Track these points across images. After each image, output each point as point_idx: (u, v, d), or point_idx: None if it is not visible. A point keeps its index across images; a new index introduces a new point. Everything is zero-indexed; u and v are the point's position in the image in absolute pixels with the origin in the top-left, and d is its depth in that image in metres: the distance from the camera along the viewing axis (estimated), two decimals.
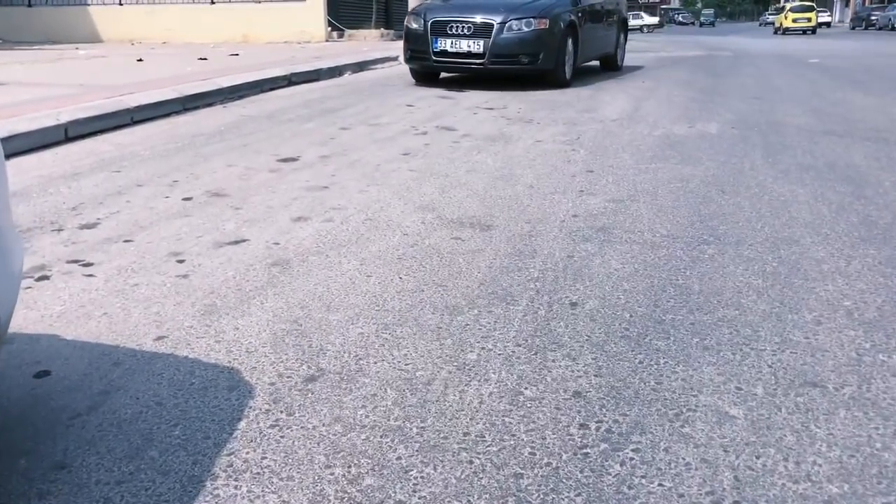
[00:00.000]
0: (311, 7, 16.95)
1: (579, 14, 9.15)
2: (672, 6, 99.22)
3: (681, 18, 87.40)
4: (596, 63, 11.23)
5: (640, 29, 51.94)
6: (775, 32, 42.28)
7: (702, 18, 76.06)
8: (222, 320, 2.43)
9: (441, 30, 8.57)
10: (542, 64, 8.48)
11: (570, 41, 8.83)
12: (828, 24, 61.30)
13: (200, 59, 10.54)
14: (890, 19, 43.73)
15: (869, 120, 6.36)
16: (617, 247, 3.10)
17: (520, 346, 2.23)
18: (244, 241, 3.23)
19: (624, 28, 11.72)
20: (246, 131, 5.84)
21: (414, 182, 4.23)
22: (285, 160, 4.81)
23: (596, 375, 2.05)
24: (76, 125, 5.45)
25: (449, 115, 6.73)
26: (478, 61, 8.48)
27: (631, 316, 2.43)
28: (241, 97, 7.72)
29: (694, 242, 3.15)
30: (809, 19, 40.96)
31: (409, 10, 9.39)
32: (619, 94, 8.22)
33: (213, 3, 17.54)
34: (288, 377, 2.06)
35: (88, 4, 18.39)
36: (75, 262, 2.98)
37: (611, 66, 11.25)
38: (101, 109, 5.83)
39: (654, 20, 58.24)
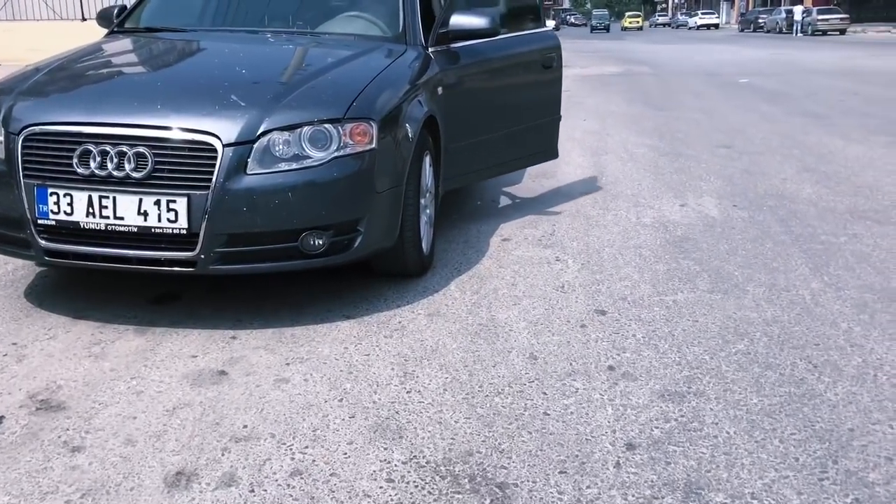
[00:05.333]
0: None
1: (438, 91, 3.78)
2: (563, 6, 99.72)
3: (573, 20, 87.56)
4: None
5: None
6: (622, 30, 63.88)
7: (594, 21, 67.20)
8: None
9: (56, 160, 2.87)
10: (364, 245, 3.09)
11: (427, 161, 3.58)
12: (716, 27, 62.72)
13: None
14: (777, 22, 44.92)
15: (883, 187, 5.31)
16: None
17: None
18: None
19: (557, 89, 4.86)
20: None
21: (361, 361, 2.83)
22: (162, 298, 3.32)
23: None
24: None
25: None
26: (178, 255, 2.85)
27: None
28: None
29: None
30: (638, 22, 69.31)
31: None
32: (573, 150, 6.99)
33: (84, 19, 15.51)
34: None
35: None
36: None
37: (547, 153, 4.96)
38: None
39: (552, 24, 58.05)
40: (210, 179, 2.81)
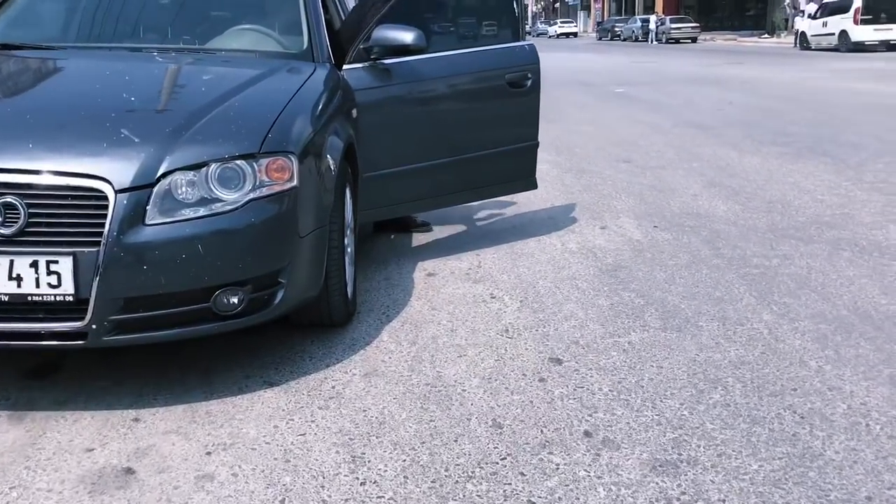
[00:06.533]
0: None
1: (354, 113, 3.43)
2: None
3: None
4: None
5: None
6: None
7: None
8: None
9: None
10: (287, 298, 2.62)
11: (347, 193, 3.13)
12: (575, 35, 64.67)
13: None
14: (633, 31, 46.72)
15: (793, 201, 5.29)
16: None
17: None
18: None
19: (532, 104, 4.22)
20: None
21: (298, 444, 2.39)
22: (41, 371, 2.76)
23: None
24: None
25: None
26: (64, 326, 2.31)
27: None
28: None
29: None
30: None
31: None
32: None
33: None
34: None
35: None
36: None
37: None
38: None
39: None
40: (100, 233, 2.31)
